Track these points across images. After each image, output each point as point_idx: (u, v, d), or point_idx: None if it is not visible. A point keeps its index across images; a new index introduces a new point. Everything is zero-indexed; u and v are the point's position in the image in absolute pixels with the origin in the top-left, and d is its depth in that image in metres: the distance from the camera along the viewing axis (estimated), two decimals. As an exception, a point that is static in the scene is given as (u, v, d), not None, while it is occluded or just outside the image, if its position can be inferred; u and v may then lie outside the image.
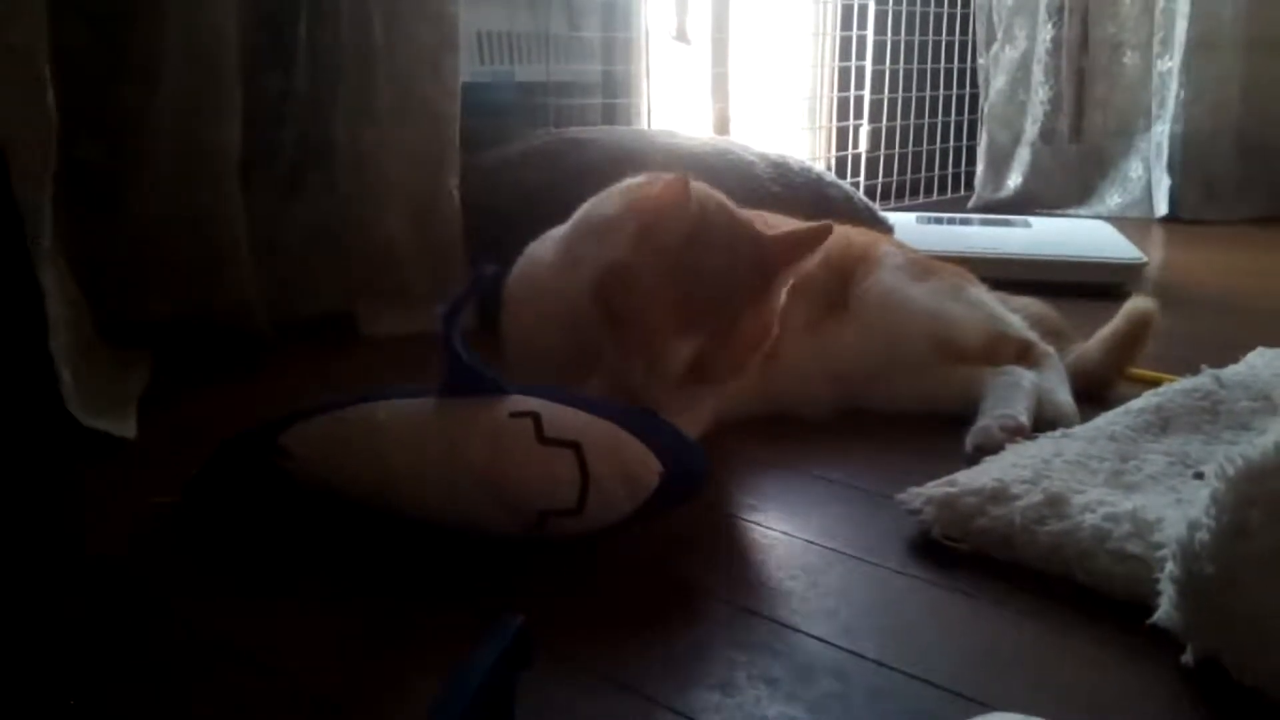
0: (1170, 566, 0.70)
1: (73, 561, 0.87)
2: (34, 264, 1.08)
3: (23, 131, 1.07)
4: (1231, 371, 1.17)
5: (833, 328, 1.19)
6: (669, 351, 0.94)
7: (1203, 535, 0.67)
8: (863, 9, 2.71)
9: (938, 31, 2.96)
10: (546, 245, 1.08)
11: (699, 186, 0.99)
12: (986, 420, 1.07)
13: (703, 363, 0.95)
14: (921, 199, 2.95)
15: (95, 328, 1.24)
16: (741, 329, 0.97)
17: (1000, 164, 2.99)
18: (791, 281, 1.02)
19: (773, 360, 1.15)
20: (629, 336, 0.95)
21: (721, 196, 1.03)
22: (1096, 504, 0.84)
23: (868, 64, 2.74)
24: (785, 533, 0.91)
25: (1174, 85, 2.81)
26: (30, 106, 1.07)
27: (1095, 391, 1.23)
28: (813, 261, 1.01)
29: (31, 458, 1.06)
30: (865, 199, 1.98)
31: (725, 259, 0.96)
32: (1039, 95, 2.95)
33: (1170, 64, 2.82)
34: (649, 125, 2.23)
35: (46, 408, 1.07)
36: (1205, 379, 1.13)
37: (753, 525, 0.93)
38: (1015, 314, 1.28)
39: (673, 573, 0.86)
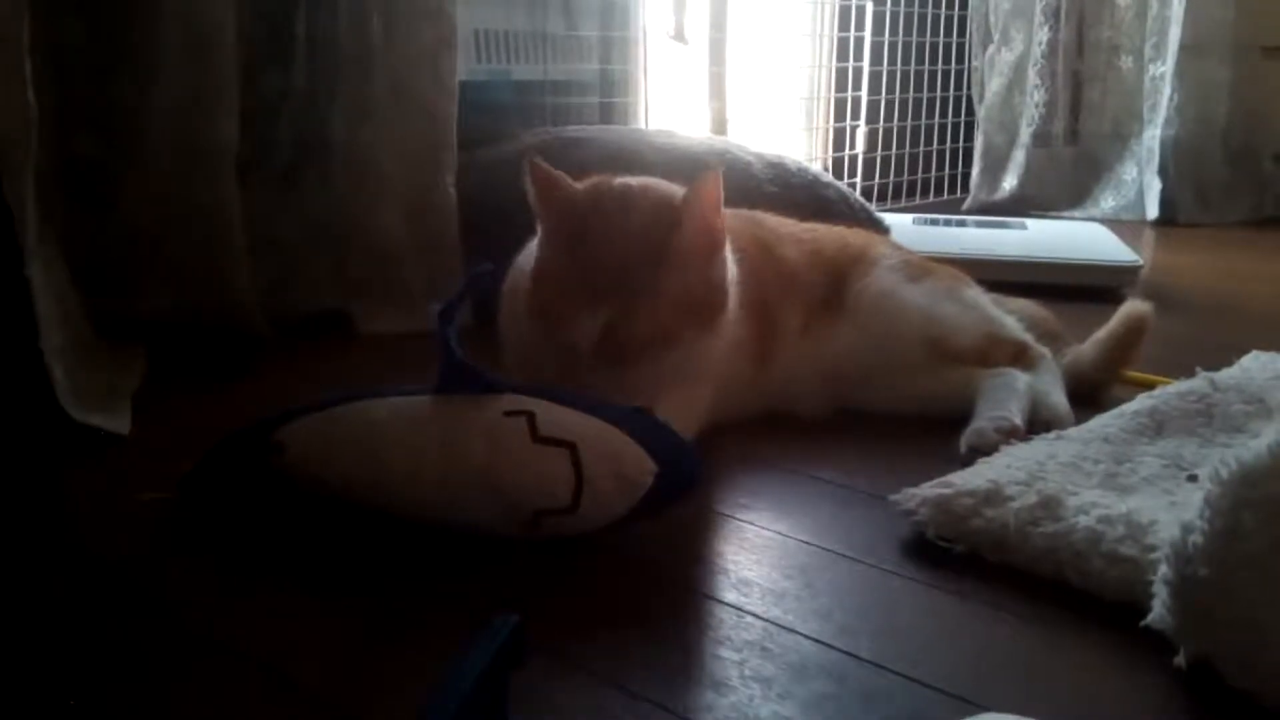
0: (1163, 569, 0.70)
1: (67, 558, 0.87)
2: (23, 260, 1.08)
3: (6, 124, 1.05)
4: (1226, 374, 1.17)
5: (828, 328, 1.19)
6: (578, 326, 0.96)
7: (1196, 538, 0.67)
8: (860, 10, 2.71)
9: (935, 33, 2.97)
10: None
11: (601, 178, 1.04)
12: (981, 422, 1.07)
13: (623, 333, 0.95)
14: (918, 200, 2.95)
15: (90, 324, 1.24)
16: (661, 293, 0.96)
17: (996, 166, 3.00)
18: (725, 242, 1.02)
19: (768, 360, 1.15)
20: (549, 321, 0.98)
21: (632, 178, 1.05)
22: (1090, 506, 0.84)
23: (865, 65, 2.74)
24: (780, 533, 0.91)
25: (1166, 89, 2.82)
26: (11, 98, 1.05)
27: (1090, 394, 1.23)
28: (711, 211, 0.99)
29: (24, 454, 1.06)
30: (861, 200, 1.99)
31: (617, 226, 0.98)
32: (1034, 98, 2.95)
33: (1163, 68, 2.83)
34: (646, 125, 2.23)
35: (39, 404, 1.06)
36: (1199, 382, 1.14)
37: (747, 525, 0.93)
38: (1010, 316, 1.28)
39: (667, 572, 0.86)
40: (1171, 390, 1.13)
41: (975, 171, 3.00)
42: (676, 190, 1.04)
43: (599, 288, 0.95)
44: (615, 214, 1.00)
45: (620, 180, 1.05)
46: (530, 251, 1.07)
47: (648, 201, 1.02)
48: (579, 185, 1.02)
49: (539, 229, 1.03)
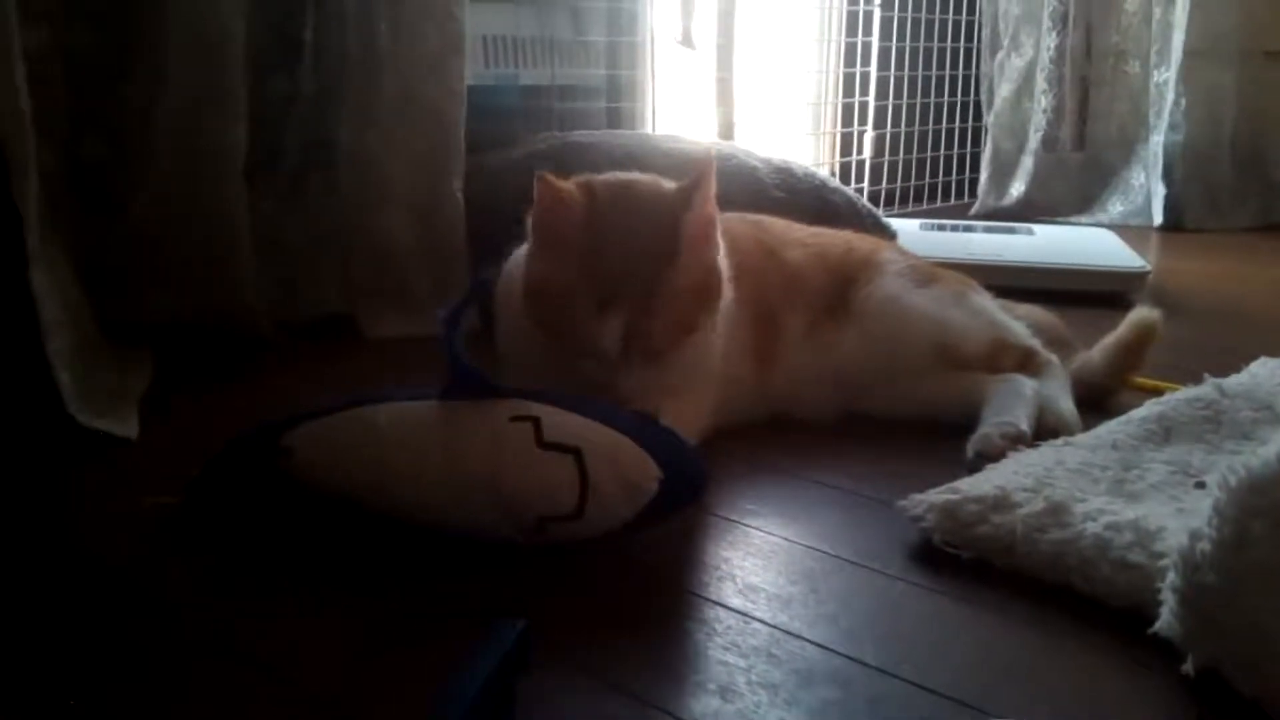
0: (1171, 576, 0.70)
1: (73, 562, 0.87)
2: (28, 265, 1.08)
3: (6, 129, 1.06)
4: (1234, 381, 1.16)
5: (834, 333, 1.19)
6: (601, 332, 0.95)
7: (1204, 545, 0.67)
8: (868, 15, 2.71)
9: (943, 38, 2.96)
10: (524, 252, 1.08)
11: (589, 178, 1.03)
12: (987, 428, 1.07)
13: (643, 331, 0.95)
14: (925, 205, 2.95)
15: (96, 327, 1.24)
16: (676, 284, 0.96)
17: (1004, 172, 2.99)
18: (719, 228, 1.02)
19: (771, 363, 1.15)
20: (563, 334, 0.97)
21: (621, 174, 1.05)
22: (1098, 513, 0.84)
23: (872, 70, 2.74)
24: (786, 538, 0.91)
25: (1170, 95, 2.81)
26: (7, 102, 1.05)
27: (1098, 400, 1.23)
28: (710, 197, 1.00)
29: (31, 458, 1.06)
30: (869, 205, 1.98)
31: (622, 226, 0.98)
32: (1041, 104, 2.95)
33: (1167, 74, 2.83)
34: (653, 129, 2.23)
35: (46, 408, 1.06)
36: (1208, 388, 1.13)
37: (753, 530, 0.93)
38: (1018, 322, 1.27)
39: (672, 576, 0.86)
40: (1180, 397, 1.12)
41: (983, 177, 3.00)
42: (663, 182, 1.04)
43: (613, 290, 0.95)
44: (617, 214, 0.99)
45: (603, 180, 1.04)
46: (518, 260, 1.06)
47: (646, 198, 1.01)
48: (568, 186, 1.00)
49: (531, 238, 1.01)
